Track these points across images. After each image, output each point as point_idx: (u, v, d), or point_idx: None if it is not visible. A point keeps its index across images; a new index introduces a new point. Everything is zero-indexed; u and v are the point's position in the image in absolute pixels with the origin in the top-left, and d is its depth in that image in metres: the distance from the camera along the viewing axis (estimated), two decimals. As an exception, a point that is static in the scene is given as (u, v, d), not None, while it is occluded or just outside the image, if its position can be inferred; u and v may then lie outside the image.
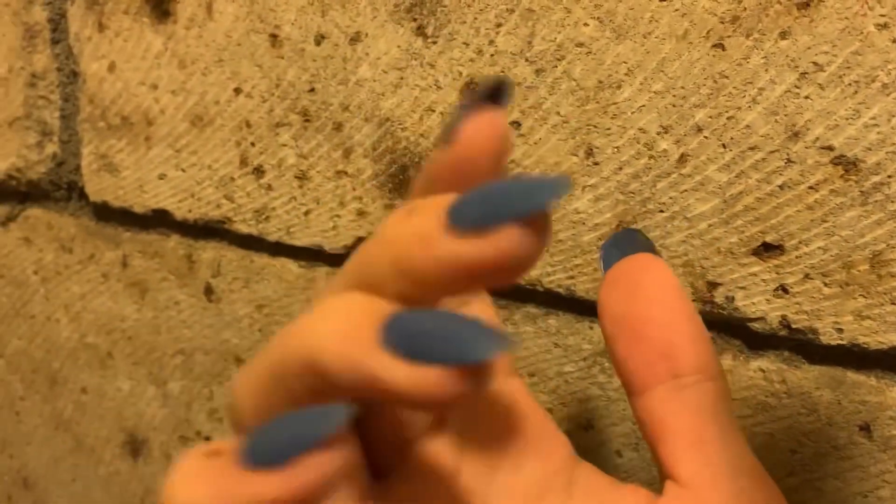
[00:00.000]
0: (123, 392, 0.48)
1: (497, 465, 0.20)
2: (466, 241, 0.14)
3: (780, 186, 0.29)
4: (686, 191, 0.30)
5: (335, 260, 0.39)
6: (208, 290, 0.43)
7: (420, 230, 0.15)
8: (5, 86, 0.46)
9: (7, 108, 0.46)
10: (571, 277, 0.33)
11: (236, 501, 0.15)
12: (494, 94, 0.16)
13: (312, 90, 0.36)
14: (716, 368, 0.21)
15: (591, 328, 0.34)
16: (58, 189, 0.47)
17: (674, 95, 0.30)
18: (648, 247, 0.23)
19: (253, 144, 0.39)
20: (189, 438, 0.46)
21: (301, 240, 0.39)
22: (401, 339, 0.14)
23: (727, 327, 0.32)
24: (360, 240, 0.38)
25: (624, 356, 0.21)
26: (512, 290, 0.36)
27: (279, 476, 0.15)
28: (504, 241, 0.14)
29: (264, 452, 0.15)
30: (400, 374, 0.14)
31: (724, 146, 0.29)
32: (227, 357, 0.43)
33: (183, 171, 0.41)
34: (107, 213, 0.45)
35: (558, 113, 0.32)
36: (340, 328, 0.15)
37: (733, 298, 0.31)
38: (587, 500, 0.20)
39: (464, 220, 0.14)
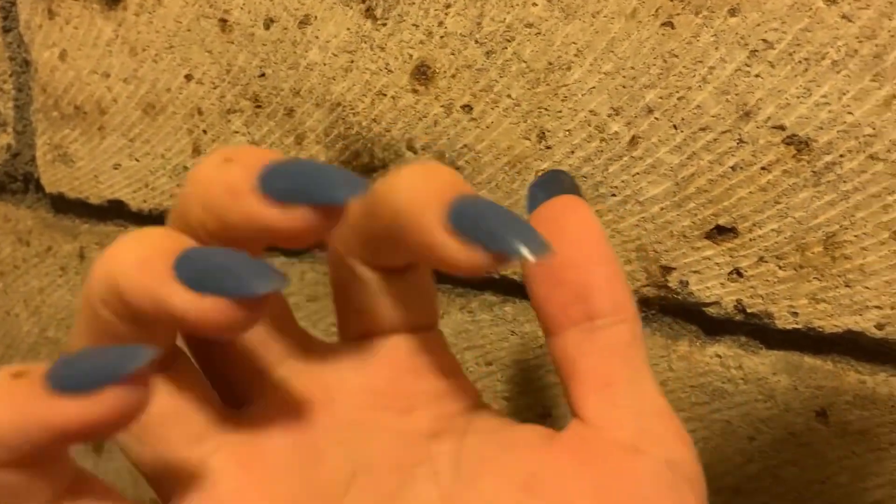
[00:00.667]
0: (85, 387, 0.47)
1: (385, 406, 0.21)
2: (267, 206, 0.16)
3: (733, 168, 0.28)
4: (638, 174, 0.30)
5: (291, 250, 0.39)
6: (166, 282, 0.42)
7: (232, 183, 0.17)
8: (-43, 76, 0.45)
9: (-40, 98, 0.45)
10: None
11: (34, 423, 0.15)
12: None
13: (263, 75, 0.36)
14: (630, 311, 0.21)
15: (548, 315, 0.33)
16: (14, 181, 0.46)
17: (624, 76, 0.29)
18: (573, 188, 0.23)
19: (205, 132, 0.38)
20: (151, 433, 0.45)
21: (257, 229, 0.38)
22: (190, 270, 0.16)
23: (682, 312, 0.31)
24: (315, 228, 0.37)
25: (541, 297, 0.21)
26: (469, 278, 0.35)
27: (79, 403, 0.15)
28: (298, 218, 0.16)
29: (69, 378, 0.15)
30: (187, 301, 0.16)
31: (675, 127, 0.29)
32: (185, 350, 0.42)
33: (137, 160, 0.40)
34: (63, 205, 0.45)
35: (509, 96, 0.31)
36: (139, 257, 0.16)
37: (687, 283, 0.30)
38: (482, 438, 0.21)
39: (271, 189, 0.16)
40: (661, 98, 0.29)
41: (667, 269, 0.30)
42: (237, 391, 0.21)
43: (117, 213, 0.43)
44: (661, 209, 0.30)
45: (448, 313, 0.35)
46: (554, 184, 0.23)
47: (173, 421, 0.19)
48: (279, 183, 0.17)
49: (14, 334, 0.49)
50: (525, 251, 0.17)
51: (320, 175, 0.17)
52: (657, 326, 0.32)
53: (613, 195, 0.30)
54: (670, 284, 0.30)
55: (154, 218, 0.41)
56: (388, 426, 0.21)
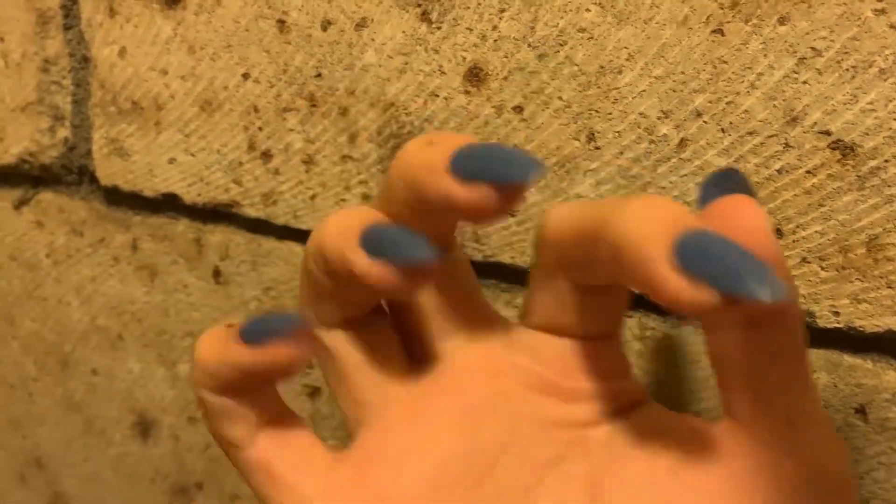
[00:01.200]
0: (133, 374, 0.48)
1: (549, 392, 0.23)
2: (457, 184, 0.19)
3: (779, 171, 0.29)
4: (686, 175, 0.31)
5: (341, 244, 0.40)
6: (216, 274, 0.43)
7: (429, 161, 0.20)
8: (19, 71, 0.47)
9: (20, 93, 0.47)
10: (572, 261, 0.34)
11: (225, 359, 0.22)
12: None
13: (319, 75, 0.37)
14: (794, 315, 0.20)
15: (592, 311, 0.34)
16: (69, 173, 0.47)
17: (674, 80, 0.30)
18: (746, 188, 0.23)
19: (260, 129, 0.39)
20: (197, 420, 0.47)
21: (308, 223, 0.40)
22: (370, 241, 0.20)
23: (726, 311, 0.32)
24: (365, 224, 0.38)
25: None
26: (516, 274, 0.36)
27: (253, 351, 0.21)
28: (481, 195, 0.19)
29: (248, 333, 0.22)
30: (362, 263, 0.20)
31: (723, 131, 0.30)
32: (234, 339, 0.44)
33: (192, 155, 0.42)
34: (117, 197, 0.46)
35: (560, 98, 0.32)
36: (339, 226, 0.21)
37: (732, 282, 0.31)
38: (637, 424, 0.23)
39: (460, 169, 0.19)
40: (709, 102, 0.30)
41: (711, 268, 0.31)
42: (421, 350, 0.25)
43: (169, 206, 0.44)
44: (707, 210, 0.31)
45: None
46: (728, 181, 0.23)
47: (364, 370, 0.24)
48: (467, 162, 0.19)
49: (65, 322, 0.50)
50: (760, 293, 0.16)
51: (503, 156, 0.19)
52: (701, 324, 0.33)
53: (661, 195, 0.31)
54: (714, 283, 0.31)
55: (208, 211, 0.43)
56: (547, 408, 0.23)
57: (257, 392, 0.23)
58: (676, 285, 0.16)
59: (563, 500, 0.22)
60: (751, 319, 0.20)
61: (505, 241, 0.35)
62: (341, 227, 0.21)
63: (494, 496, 0.22)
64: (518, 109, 0.33)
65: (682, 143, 0.31)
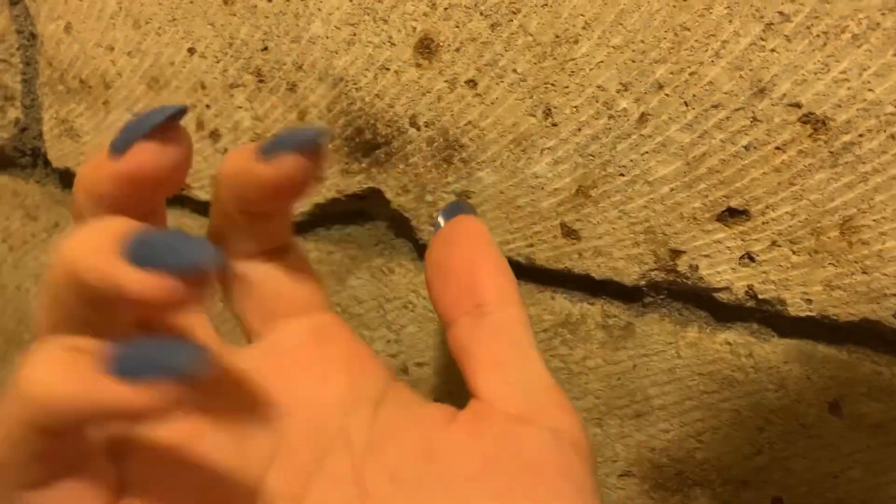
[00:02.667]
0: (93, 363, 0.47)
1: (302, 380, 0.23)
2: (119, 158, 0.19)
3: (746, 147, 0.27)
4: (647, 153, 0.29)
5: (294, 227, 0.38)
6: (170, 259, 0.41)
7: (93, 162, 0.20)
8: (-35, 49, 0.45)
9: (-32, 71, 0.45)
10: (531, 245, 0.32)
11: (97, 403, 0.16)
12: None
13: (266, 49, 0.35)
14: (513, 298, 0.24)
15: (553, 298, 0.32)
16: (22, 155, 0.46)
17: (633, 50, 0.28)
18: (470, 210, 0.27)
19: (208, 107, 0.37)
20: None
21: (260, 207, 0.38)
22: (135, 252, 0.17)
23: (692, 298, 0.30)
24: (318, 206, 0.36)
25: (437, 295, 0.24)
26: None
27: (138, 392, 0.16)
28: (139, 152, 0.19)
29: (130, 367, 0.16)
30: (132, 279, 0.16)
31: (686, 104, 0.28)
32: (190, 328, 0.42)
33: (141, 135, 0.40)
34: (71, 180, 0.44)
35: (515, 70, 0.30)
36: (92, 243, 0.17)
37: (697, 267, 0.29)
38: (394, 414, 0.23)
39: (119, 147, 0.19)
40: (671, 73, 0.28)
41: (676, 253, 0.29)
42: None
43: (123, 189, 0.43)
44: (671, 190, 0.29)
45: (452, 295, 0.35)
46: (456, 209, 0.27)
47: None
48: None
49: (24, 309, 0.49)
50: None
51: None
52: (666, 312, 0.31)
53: (622, 175, 0.29)
54: (679, 268, 0.29)
55: (158, 194, 0.41)
56: (306, 400, 0.22)
57: (81, 435, 0.18)
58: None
59: (329, 501, 0.21)
60: (481, 304, 0.23)
61: (461, 224, 0.33)
62: (95, 241, 0.17)
63: None
64: (472, 83, 0.31)
65: (643, 117, 0.28)
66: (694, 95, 0.27)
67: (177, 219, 0.40)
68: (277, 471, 0.21)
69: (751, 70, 0.26)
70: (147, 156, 0.19)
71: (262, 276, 0.23)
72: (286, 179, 0.20)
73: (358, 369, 0.24)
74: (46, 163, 0.45)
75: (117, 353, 0.17)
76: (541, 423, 0.21)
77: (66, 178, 0.45)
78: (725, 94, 0.27)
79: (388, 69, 0.32)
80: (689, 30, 0.27)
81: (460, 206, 0.27)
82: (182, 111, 0.19)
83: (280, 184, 0.20)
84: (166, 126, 0.19)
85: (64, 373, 0.16)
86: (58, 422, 0.17)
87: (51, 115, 0.43)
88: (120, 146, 0.19)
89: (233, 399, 0.22)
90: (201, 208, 0.40)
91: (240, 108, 0.36)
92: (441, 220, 0.26)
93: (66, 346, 0.17)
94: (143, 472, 0.20)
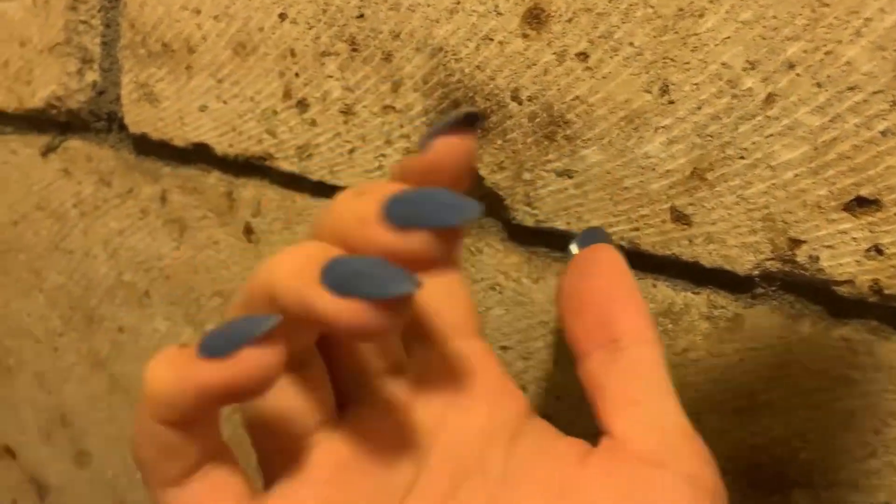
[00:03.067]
0: (160, 333, 0.46)
1: (448, 408, 0.23)
2: (391, 232, 0.19)
3: (882, 133, 0.25)
4: (772, 135, 0.27)
5: (380, 203, 0.37)
6: (248, 230, 0.41)
7: (360, 212, 0.19)
8: (46, 9, 0.44)
9: (48, 32, 0.44)
10: (636, 229, 0.30)
11: (188, 381, 0.18)
12: (469, 120, 0.21)
13: (361, 16, 0.34)
14: (650, 334, 0.23)
15: (655, 286, 0.31)
16: (98, 120, 0.45)
17: (764, 26, 0.26)
18: (606, 239, 0.26)
19: (297, 75, 0.36)
20: (224, 383, 0.44)
21: (344, 180, 0.37)
22: (334, 278, 0.18)
23: (808, 290, 0.29)
24: (406, 181, 0.35)
25: (570, 326, 0.24)
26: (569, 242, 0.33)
27: (220, 364, 0.18)
28: (417, 241, 0.18)
29: (212, 346, 0.18)
30: (330, 305, 0.17)
31: (818, 85, 0.26)
32: (264, 301, 0.41)
33: (224, 102, 0.39)
34: (146, 146, 0.44)
35: (632, 44, 0.28)
36: (293, 266, 0.18)
37: (818, 258, 0.27)
38: (529, 447, 0.23)
39: (393, 216, 0.19)
40: (805, 52, 0.26)
41: (795, 242, 0.28)
42: (342, 390, 0.23)
43: (200, 157, 0.42)
44: (795, 176, 0.27)
45: (544, 278, 0.33)
46: (589, 238, 0.26)
47: (292, 413, 0.21)
48: (400, 209, 0.19)
49: (91, 276, 0.48)
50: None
51: (437, 199, 0.18)
52: (777, 304, 0.29)
53: (742, 157, 0.28)
54: (798, 259, 0.28)
55: (240, 164, 0.40)
56: (449, 426, 0.23)
57: (206, 425, 0.20)
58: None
59: None
60: (617, 339, 0.23)
61: (559, 204, 0.32)
62: (296, 265, 0.18)
63: None
64: (582, 56, 0.29)
65: (770, 98, 0.27)
66: (828, 76, 0.26)
67: (258, 189, 0.40)
68: (415, 499, 0.22)
69: (895, 51, 0.25)
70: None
71: (422, 294, 0.24)
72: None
73: (499, 400, 0.24)
74: (122, 128, 0.44)
75: (204, 338, 0.19)
76: (676, 468, 0.21)
77: (141, 144, 0.44)
78: (864, 75, 0.25)
79: (491, 40, 0.31)
80: (828, 5, 0.25)
81: (596, 234, 0.26)
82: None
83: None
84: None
85: (164, 367, 0.19)
86: (171, 409, 0.19)
87: (130, 78, 0.42)
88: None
89: (384, 425, 0.23)
90: (284, 180, 0.39)
91: (330, 77, 0.35)
92: (574, 248, 0.26)
93: (178, 346, 0.20)
94: (285, 485, 0.22)
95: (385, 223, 0.19)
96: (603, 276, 0.24)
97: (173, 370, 0.19)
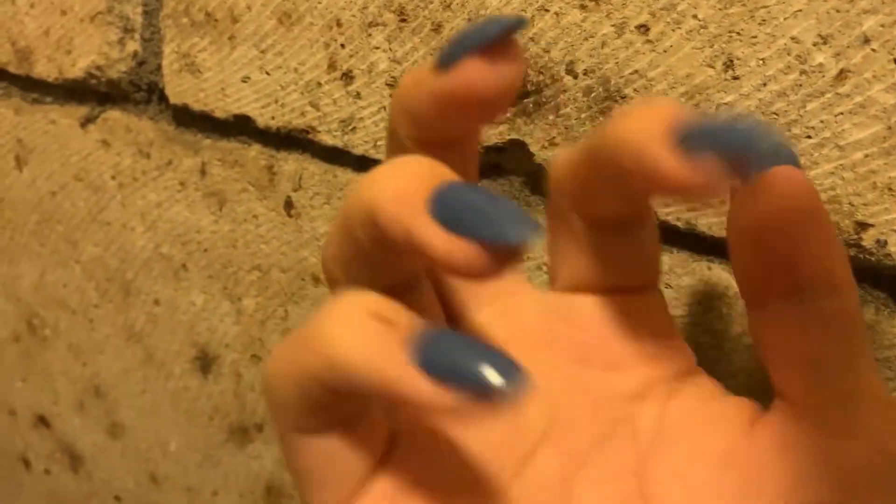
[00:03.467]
0: (196, 306, 0.46)
1: (591, 362, 0.21)
2: (444, 74, 0.17)
3: (962, 112, 0.24)
4: (842, 114, 0.26)
5: (424, 179, 0.36)
6: (288, 205, 0.40)
7: (414, 76, 0.18)
8: (88, -23, 0.44)
9: (89, 1, 0.44)
10: (692, 209, 0.29)
11: (395, 389, 0.15)
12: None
13: (412, -14, 0.33)
14: (844, 281, 0.18)
15: (710, 269, 0.30)
16: (138, 90, 0.45)
17: (839, -2, 0.25)
18: (794, 161, 0.20)
19: (343, 46, 0.35)
20: (261, 358, 0.44)
21: (389, 154, 0.36)
22: (445, 209, 0.16)
23: (872, 276, 0.28)
24: (453, 157, 0.34)
25: (742, 264, 0.19)
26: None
27: (440, 393, 0.15)
28: (468, 69, 0.17)
29: (438, 366, 0.15)
30: (438, 241, 0.15)
31: (895, 62, 0.25)
32: (304, 276, 0.41)
33: (267, 73, 0.38)
34: (186, 118, 0.43)
35: (695, 16, 0.27)
36: (397, 188, 0.16)
37: (886, 243, 0.26)
38: (690, 407, 0.20)
39: (446, 61, 0.17)
40: (882, 26, 0.25)
41: (862, 226, 0.27)
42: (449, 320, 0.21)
43: (241, 130, 0.41)
44: (865, 156, 0.26)
45: (593, 258, 0.33)
46: (774, 155, 0.20)
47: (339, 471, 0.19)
48: (450, 54, 0.17)
49: (128, 248, 0.48)
50: (758, 151, 0.15)
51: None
52: (838, 290, 0.28)
53: (809, 137, 0.27)
54: (864, 243, 0.27)
55: (282, 137, 0.39)
56: (591, 382, 0.20)
57: (374, 421, 0.19)
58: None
59: (603, 491, 0.19)
60: (800, 288, 0.18)
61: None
62: (401, 187, 0.16)
63: (533, 486, 0.20)
64: (643, 29, 0.28)
65: (842, 74, 0.26)
66: (906, 51, 0.25)
67: (299, 163, 0.39)
68: (551, 448, 0.20)
69: (980, 25, 0.23)
70: (478, 74, 0.17)
71: (595, 244, 0.21)
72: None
73: (659, 352, 0.21)
74: (161, 99, 0.44)
75: (427, 344, 0.16)
76: (866, 440, 0.18)
77: (180, 116, 0.43)
78: (945, 51, 0.24)
79: (547, 10, 0.30)
80: (909, -23, 0.24)
81: (781, 153, 0.20)
82: (521, 23, 0.17)
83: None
84: (502, 40, 0.17)
85: (370, 345, 0.16)
86: (349, 387, 0.16)
87: (172, 48, 0.42)
88: (447, 60, 0.17)
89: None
90: (326, 154, 0.38)
91: (377, 48, 0.34)
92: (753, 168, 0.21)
93: (373, 311, 0.16)
94: (410, 434, 0.20)
95: (437, 72, 0.17)
96: (788, 207, 0.18)
97: (378, 358, 0.16)
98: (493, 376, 0.15)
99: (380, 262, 0.18)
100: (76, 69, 0.46)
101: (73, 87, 0.47)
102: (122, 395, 0.52)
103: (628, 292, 0.21)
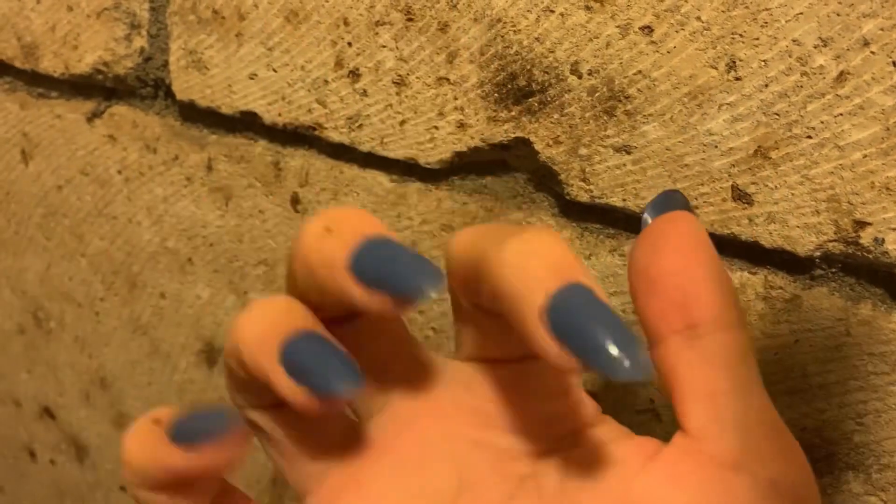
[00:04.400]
0: (202, 300, 0.46)
1: (494, 426, 0.22)
2: (356, 285, 0.19)
3: (958, 114, 0.25)
4: (841, 115, 0.27)
5: (429, 175, 0.37)
6: (295, 200, 0.41)
7: (328, 256, 0.19)
8: (95, -27, 0.44)
9: (96, -3, 0.44)
10: (695, 207, 0.30)
11: (155, 462, 0.20)
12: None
13: (419, -14, 0.33)
14: (735, 319, 0.20)
15: (711, 264, 0.31)
16: (144, 86, 0.45)
17: (839, 2, 0.26)
18: (685, 205, 0.23)
19: (350, 44, 0.36)
20: (266, 351, 0.45)
21: (395, 151, 0.36)
22: (290, 359, 0.19)
23: (868, 273, 0.28)
24: (458, 155, 0.35)
25: (642, 305, 0.21)
26: (626, 219, 0.32)
27: (187, 455, 0.20)
28: (380, 302, 0.19)
29: (179, 434, 0.20)
30: (284, 386, 0.19)
31: (894, 64, 0.25)
32: (309, 270, 0.41)
33: (274, 71, 0.39)
34: (193, 114, 0.44)
35: (699, 18, 0.28)
36: (258, 332, 0.20)
37: (883, 241, 0.27)
38: (591, 455, 0.21)
39: (360, 272, 0.19)
40: (881, 30, 0.25)
41: (860, 224, 0.27)
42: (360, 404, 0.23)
43: (247, 126, 0.42)
44: (864, 156, 0.27)
45: (596, 255, 0.33)
46: (665, 203, 0.23)
47: (301, 443, 0.22)
48: (367, 266, 0.19)
49: (134, 242, 0.49)
50: (621, 370, 0.17)
51: (404, 264, 0.18)
52: (836, 286, 0.29)
53: (809, 137, 0.27)
54: (862, 241, 0.27)
55: (288, 133, 0.40)
56: (495, 443, 0.21)
57: (192, 486, 0.22)
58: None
59: None
60: (689, 325, 0.19)
61: (616, 181, 0.31)
62: (259, 333, 0.20)
63: None
64: (647, 30, 0.29)
65: (842, 76, 0.26)
66: (904, 55, 0.25)
67: (306, 159, 0.40)
68: None
69: (976, 29, 0.24)
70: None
71: (488, 323, 0.22)
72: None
73: (560, 410, 0.22)
74: (168, 94, 0.44)
75: (175, 421, 0.20)
76: (758, 472, 0.19)
77: (188, 112, 0.44)
78: (942, 54, 0.25)
79: (552, 11, 0.31)
80: (908, -18, 0.25)
81: (673, 199, 0.23)
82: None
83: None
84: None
85: (138, 442, 0.21)
86: (144, 481, 0.21)
87: (179, 45, 0.42)
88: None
89: (415, 428, 0.22)
90: (332, 150, 0.39)
91: (384, 47, 0.35)
92: (649, 216, 0.22)
93: (152, 419, 0.21)
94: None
95: (352, 274, 0.19)
96: (680, 249, 0.20)
97: (145, 446, 0.20)
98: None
99: (256, 388, 0.21)
100: (83, 64, 0.46)
101: (79, 82, 0.47)
102: (128, 387, 0.53)
103: (525, 359, 0.22)
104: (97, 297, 0.52)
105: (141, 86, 0.45)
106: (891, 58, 0.25)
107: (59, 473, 0.60)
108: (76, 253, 0.52)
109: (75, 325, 0.54)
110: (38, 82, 0.50)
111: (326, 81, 0.37)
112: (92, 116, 0.48)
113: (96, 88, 0.47)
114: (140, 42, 0.44)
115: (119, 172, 0.47)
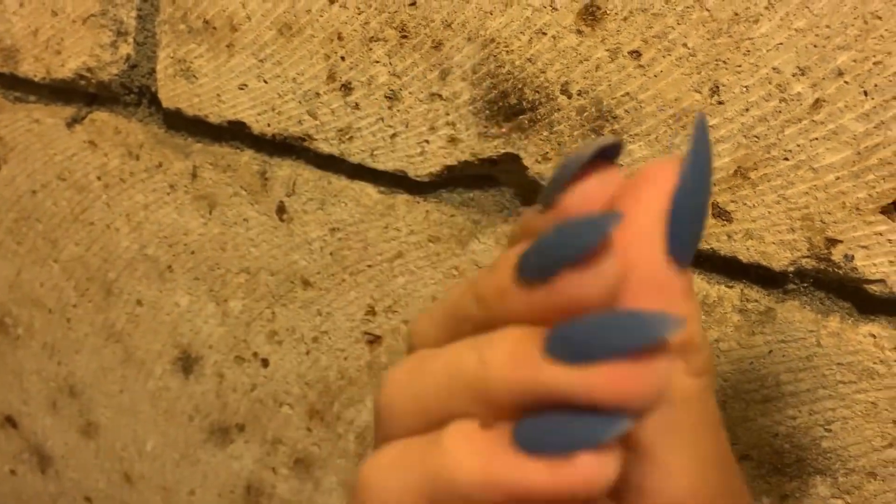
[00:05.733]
0: (181, 307, 0.47)
1: None
2: (531, 291, 0.15)
3: (924, 141, 0.27)
4: (816, 139, 0.29)
5: (416, 187, 0.38)
6: (281, 210, 0.41)
7: (497, 284, 0.16)
8: (83, -20, 0.44)
9: (82, 3, 0.44)
10: (676, 222, 0.32)
11: (499, 480, 0.15)
12: (606, 153, 0.16)
13: (414, 4, 0.34)
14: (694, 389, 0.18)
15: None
16: (128, 93, 0.45)
17: (816, 34, 0.28)
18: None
19: (343, 59, 0.37)
20: (245, 359, 0.45)
21: (384, 164, 0.37)
22: (526, 439, 0.15)
23: (838, 288, 0.30)
24: (447, 168, 0.36)
25: None
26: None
27: (549, 468, 0.14)
28: (564, 285, 0.15)
29: (539, 440, 0.15)
30: (568, 378, 0.14)
31: (865, 93, 0.27)
32: (293, 279, 0.42)
33: (265, 82, 0.39)
34: (178, 122, 0.44)
35: (685, 45, 0.30)
36: (507, 354, 0.15)
37: (853, 257, 0.29)
38: None
39: (529, 272, 0.15)
40: (854, 61, 0.27)
41: (832, 242, 0.29)
42: None
43: (234, 135, 0.42)
44: (837, 178, 0.29)
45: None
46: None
47: None
48: (530, 265, 0.16)
49: (111, 249, 0.48)
50: None
51: (561, 244, 0.15)
52: (807, 300, 0.31)
53: (786, 159, 0.29)
54: (833, 257, 0.29)
55: (276, 143, 0.40)
56: None
57: None
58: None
59: None
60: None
61: (602, 196, 0.33)
62: (513, 351, 0.16)
63: None
64: (635, 54, 0.31)
65: (818, 103, 0.28)
66: (875, 85, 0.27)
67: (293, 169, 0.40)
68: None
69: (941, 64, 0.26)
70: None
71: None
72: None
73: None
74: (152, 102, 0.45)
75: (525, 426, 0.15)
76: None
77: (172, 120, 0.44)
78: (909, 85, 0.27)
79: (545, 34, 0.32)
80: (880, 18, 0.27)
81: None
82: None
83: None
84: (597, 240, 0.14)
85: (470, 450, 0.16)
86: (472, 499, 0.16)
87: (167, 53, 0.42)
88: (533, 270, 0.15)
89: None
90: (321, 161, 0.40)
91: (377, 62, 0.36)
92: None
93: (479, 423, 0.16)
94: None
95: (522, 285, 0.16)
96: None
97: (480, 459, 0.15)
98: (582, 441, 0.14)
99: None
100: (65, 69, 0.46)
101: (59, 87, 0.47)
102: (98, 395, 0.53)
103: None
104: (69, 304, 0.52)
105: (125, 93, 0.45)
106: (863, 87, 0.27)
107: (20, 483, 0.59)
108: (48, 258, 0.51)
109: (45, 332, 0.54)
110: (16, 86, 0.49)
111: (318, 94, 0.38)
112: (72, 122, 0.48)
113: (77, 94, 0.47)
114: (126, 49, 0.44)
115: (98, 178, 0.47)
